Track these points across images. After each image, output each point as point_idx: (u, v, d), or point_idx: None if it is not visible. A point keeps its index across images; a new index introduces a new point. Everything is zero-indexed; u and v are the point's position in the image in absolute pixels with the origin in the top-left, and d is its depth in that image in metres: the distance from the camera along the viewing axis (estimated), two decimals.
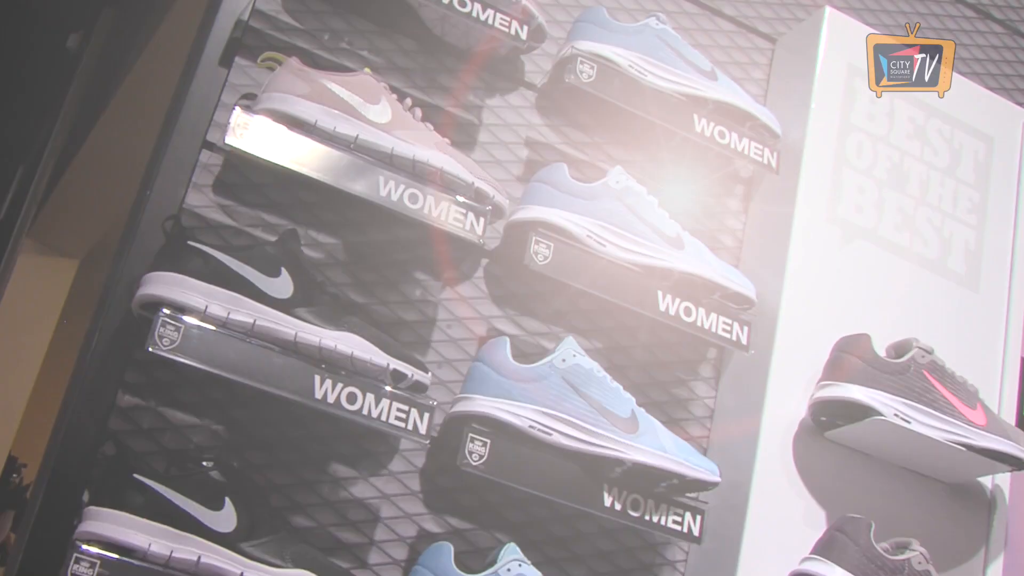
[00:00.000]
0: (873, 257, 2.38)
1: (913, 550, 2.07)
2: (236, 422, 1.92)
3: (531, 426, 1.93)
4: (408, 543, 1.99)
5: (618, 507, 2.00)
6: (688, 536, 2.05)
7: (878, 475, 2.27)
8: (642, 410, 2.04)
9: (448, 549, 1.89)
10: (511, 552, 1.91)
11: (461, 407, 1.96)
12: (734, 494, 2.14)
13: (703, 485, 2.04)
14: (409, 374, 1.87)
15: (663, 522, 2.04)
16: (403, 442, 2.02)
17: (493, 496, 2.07)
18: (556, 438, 1.94)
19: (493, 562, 1.90)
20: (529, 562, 1.92)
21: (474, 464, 1.90)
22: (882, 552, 2.04)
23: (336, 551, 1.94)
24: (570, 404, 1.97)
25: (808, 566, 2.05)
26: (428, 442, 1.94)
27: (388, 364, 1.85)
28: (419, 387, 1.89)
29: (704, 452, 2.24)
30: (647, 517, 2.02)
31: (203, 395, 1.91)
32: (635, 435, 1.99)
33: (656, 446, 2.00)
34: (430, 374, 1.93)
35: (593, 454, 1.96)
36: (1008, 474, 2.36)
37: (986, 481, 2.35)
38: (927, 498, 2.30)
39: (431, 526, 2.01)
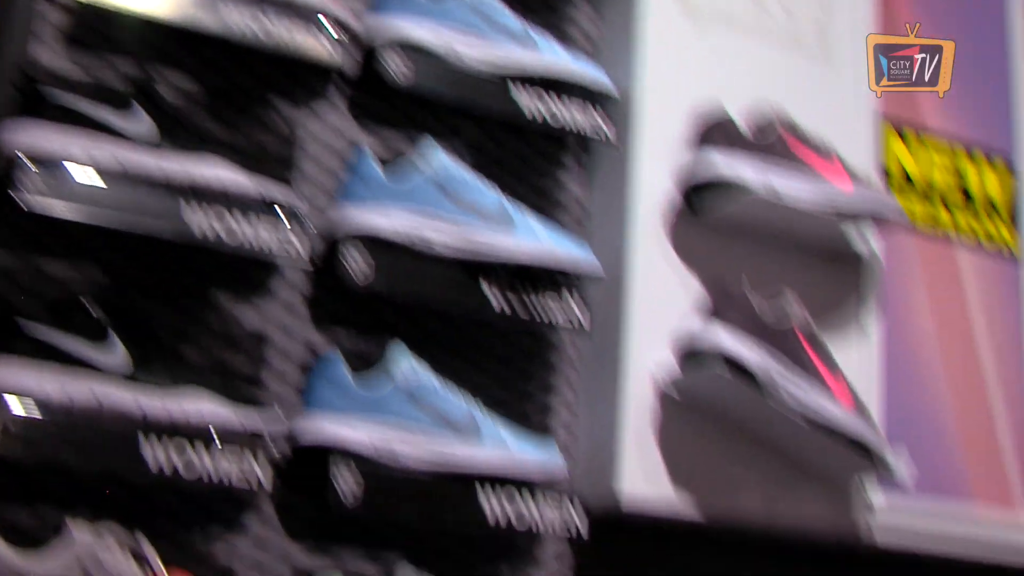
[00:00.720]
0: (725, 40, 2.43)
1: (786, 297, 2.15)
2: (113, 266, 1.92)
3: (408, 234, 1.96)
4: (300, 365, 2.01)
5: (506, 308, 2.05)
6: (578, 329, 2.12)
7: (754, 250, 2.34)
8: (512, 205, 2.08)
9: (337, 358, 1.93)
10: (398, 349, 1.95)
11: (336, 223, 1.99)
12: (615, 285, 2.21)
13: (584, 274, 2.10)
14: (282, 200, 1.89)
15: (551, 319, 2.09)
16: (287, 271, 2.04)
17: (385, 313, 2.10)
18: (435, 246, 1.98)
19: (381, 360, 1.94)
20: (421, 360, 1.97)
21: (357, 280, 1.93)
22: (760, 306, 2.12)
23: (231, 380, 1.95)
24: (443, 209, 2.00)
25: (692, 328, 2.13)
26: (310, 267, 1.96)
27: (259, 192, 1.87)
28: (292, 213, 1.91)
29: None
30: (534, 315, 2.07)
31: (76, 243, 1.89)
32: (511, 230, 2.03)
33: (531, 238, 2.04)
34: (304, 201, 1.95)
35: (473, 258, 2.01)
36: (882, 241, 2.47)
37: (861, 247, 2.44)
38: (804, 267, 2.39)
39: (322, 347, 2.04)
